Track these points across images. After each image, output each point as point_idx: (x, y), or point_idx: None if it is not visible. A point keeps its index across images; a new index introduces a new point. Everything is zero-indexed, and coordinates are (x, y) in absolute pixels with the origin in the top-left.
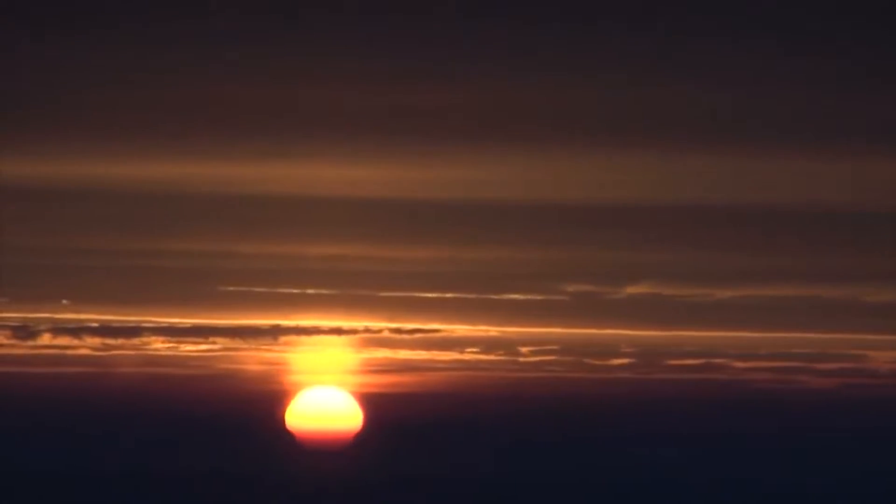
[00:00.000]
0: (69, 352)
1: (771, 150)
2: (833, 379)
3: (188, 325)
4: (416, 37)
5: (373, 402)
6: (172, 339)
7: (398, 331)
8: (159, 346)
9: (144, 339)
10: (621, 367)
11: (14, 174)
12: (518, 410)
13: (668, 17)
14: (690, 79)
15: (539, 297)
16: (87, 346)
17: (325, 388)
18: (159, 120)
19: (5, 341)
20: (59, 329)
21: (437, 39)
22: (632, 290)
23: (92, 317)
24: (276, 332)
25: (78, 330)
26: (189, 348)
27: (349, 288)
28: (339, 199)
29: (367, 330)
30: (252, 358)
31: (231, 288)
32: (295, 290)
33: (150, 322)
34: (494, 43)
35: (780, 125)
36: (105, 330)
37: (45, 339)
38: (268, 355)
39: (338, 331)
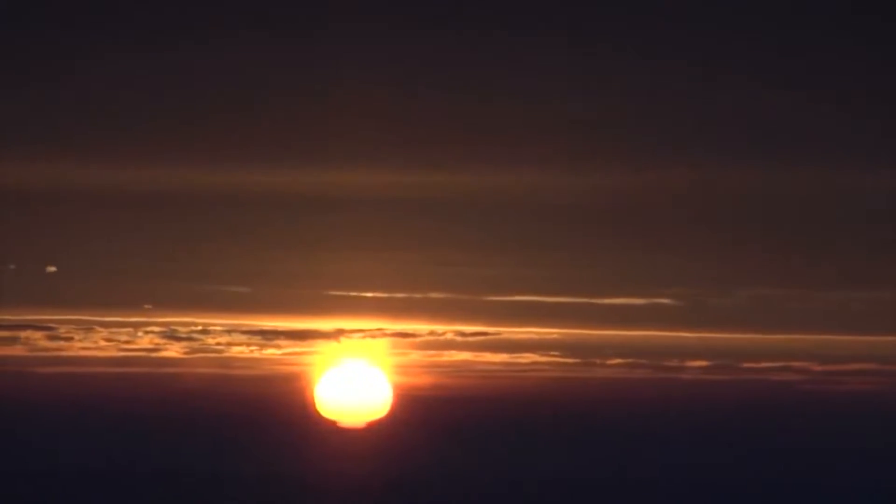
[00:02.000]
0: (133, 354)
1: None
2: None
3: (255, 329)
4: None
5: (423, 403)
6: (235, 341)
7: (461, 333)
8: (242, 349)
9: (208, 342)
10: (694, 369)
11: (110, 179)
12: (572, 412)
13: None
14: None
15: (641, 301)
16: (173, 349)
17: (358, 372)
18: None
19: (66, 345)
20: (124, 330)
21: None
22: (742, 293)
23: (162, 319)
24: (338, 334)
25: (145, 333)
26: (269, 352)
27: (454, 292)
28: (426, 201)
29: (431, 333)
30: (310, 360)
31: (338, 293)
32: (359, 294)
33: (217, 325)
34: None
35: (875, 135)
36: (167, 333)
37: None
38: (327, 358)
39: (401, 334)
